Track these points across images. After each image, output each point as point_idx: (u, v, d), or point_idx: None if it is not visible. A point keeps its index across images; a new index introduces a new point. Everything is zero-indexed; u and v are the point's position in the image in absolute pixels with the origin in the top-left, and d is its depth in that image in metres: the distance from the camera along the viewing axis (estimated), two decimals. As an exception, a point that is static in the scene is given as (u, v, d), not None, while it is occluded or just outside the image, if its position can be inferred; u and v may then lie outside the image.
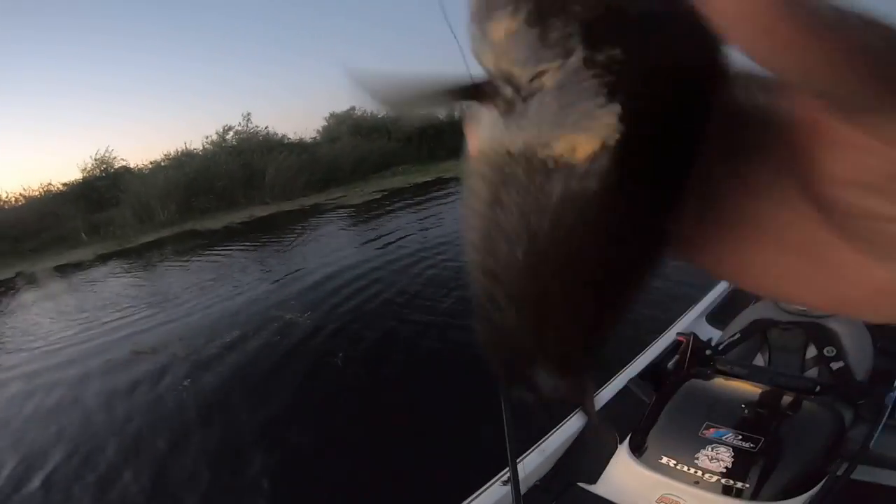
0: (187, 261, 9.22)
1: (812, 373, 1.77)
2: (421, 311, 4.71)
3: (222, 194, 15.36)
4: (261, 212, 13.77)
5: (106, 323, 6.21)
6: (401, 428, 2.97)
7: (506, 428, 1.07)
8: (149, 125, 31.00)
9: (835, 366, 1.69)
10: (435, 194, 11.44)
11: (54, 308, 7.66)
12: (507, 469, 1.17)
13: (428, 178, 14.41)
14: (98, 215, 14.93)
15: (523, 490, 1.22)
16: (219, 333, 4.99)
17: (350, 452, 2.84)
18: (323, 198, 14.28)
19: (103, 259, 11.06)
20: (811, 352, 1.83)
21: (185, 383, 4.07)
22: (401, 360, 3.95)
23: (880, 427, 1.41)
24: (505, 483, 1.45)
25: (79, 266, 10.78)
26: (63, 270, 10.68)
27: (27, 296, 9.01)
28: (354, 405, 3.37)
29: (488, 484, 1.51)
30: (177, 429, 3.48)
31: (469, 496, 1.51)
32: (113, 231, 13.89)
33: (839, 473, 1.22)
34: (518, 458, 1.30)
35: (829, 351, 1.75)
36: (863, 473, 1.27)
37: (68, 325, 6.47)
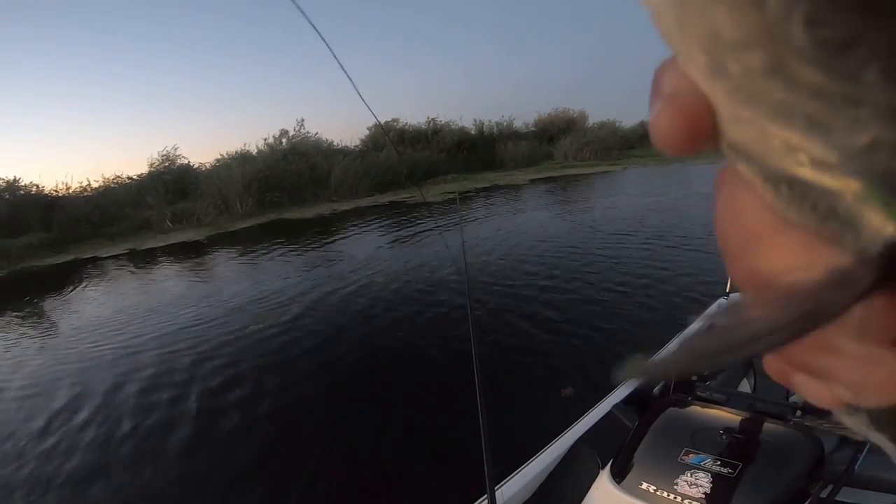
0: (321, 243, 10.69)
1: (798, 397, 1.73)
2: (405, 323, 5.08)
3: (291, 191, 16.84)
4: (339, 206, 15.34)
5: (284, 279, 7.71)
6: (376, 447, 2.98)
7: (484, 453, 1.04)
8: (202, 128, 37.15)
9: None
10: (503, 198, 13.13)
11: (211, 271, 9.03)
12: (486, 496, 1.17)
13: (485, 185, 16.29)
14: (172, 206, 16.13)
15: None
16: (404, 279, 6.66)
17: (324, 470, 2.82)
18: (390, 197, 15.93)
19: (213, 240, 12.34)
20: None
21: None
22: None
23: (866, 449, 1.41)
24: None
25: (191, 246, 12.05)
26: (169, 250, 11.93)
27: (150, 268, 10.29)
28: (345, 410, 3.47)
29: None
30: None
31: None
32: (198, 219, 15.12)
33: (823, 496, 1.22)
34: (497, 484, 1.29)
35: None
36: (848, 496, 1.26)
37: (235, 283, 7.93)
